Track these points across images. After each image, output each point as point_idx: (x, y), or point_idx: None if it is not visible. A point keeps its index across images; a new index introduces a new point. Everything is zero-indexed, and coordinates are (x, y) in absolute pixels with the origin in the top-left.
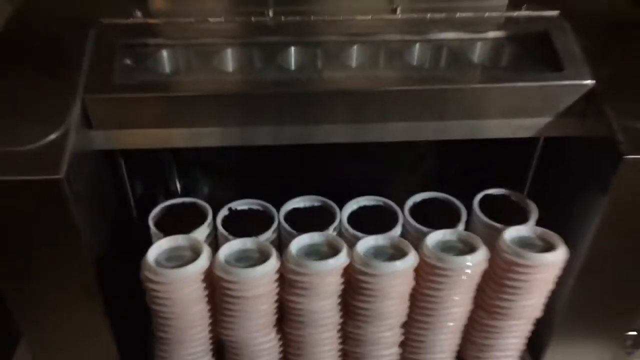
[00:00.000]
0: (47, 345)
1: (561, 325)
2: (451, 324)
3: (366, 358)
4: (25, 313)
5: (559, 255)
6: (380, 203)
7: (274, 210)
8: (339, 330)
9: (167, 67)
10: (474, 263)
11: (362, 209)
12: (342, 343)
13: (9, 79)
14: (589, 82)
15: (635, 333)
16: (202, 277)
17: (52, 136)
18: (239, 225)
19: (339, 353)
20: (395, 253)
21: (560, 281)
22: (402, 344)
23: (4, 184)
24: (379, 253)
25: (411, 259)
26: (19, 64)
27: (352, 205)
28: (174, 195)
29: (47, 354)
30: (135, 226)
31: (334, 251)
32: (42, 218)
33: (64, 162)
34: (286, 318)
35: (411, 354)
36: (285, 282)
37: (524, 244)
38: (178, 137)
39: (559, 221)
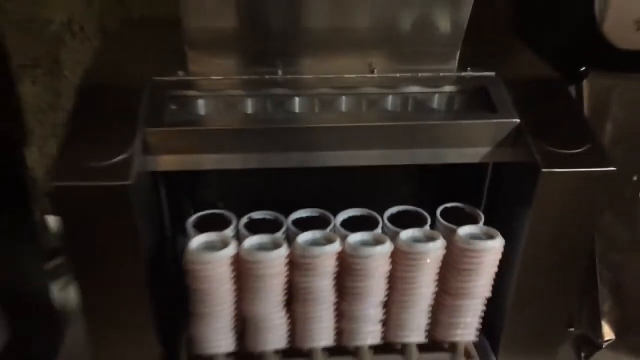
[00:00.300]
0: (101, 332)
1: (512, 312)
2: (421, 302)
3: (355, 333)
4: (89, 304)
5: (497, 243)
6: (365, 213)
7: (283, 218)
8: (335, 309)
9: (202, 111)
10: (435, 248)
11: (351, 218)
12: (337, 321)
13: (89, 118)
14: (515, 120)
15: (572, 329)
16: (231, 261)
17: (121, 157)
18: (256, 230)
19: (335, 330)
20: (376, 244)
21: (506, 276)
22: (384, 323)
23: (84, 188)
24: (364, 244)
25: (388, 246)
26: (96, 108)
27: (344, 215)
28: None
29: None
30: (166, 234)
31: (330, 242)
32: (111, 218)
33: (131, 174)
34: (294, 299)
35: (391, 330)
36: (294, 266)
37: (472, 237)
38: (209, 160)
39: (504, 227)
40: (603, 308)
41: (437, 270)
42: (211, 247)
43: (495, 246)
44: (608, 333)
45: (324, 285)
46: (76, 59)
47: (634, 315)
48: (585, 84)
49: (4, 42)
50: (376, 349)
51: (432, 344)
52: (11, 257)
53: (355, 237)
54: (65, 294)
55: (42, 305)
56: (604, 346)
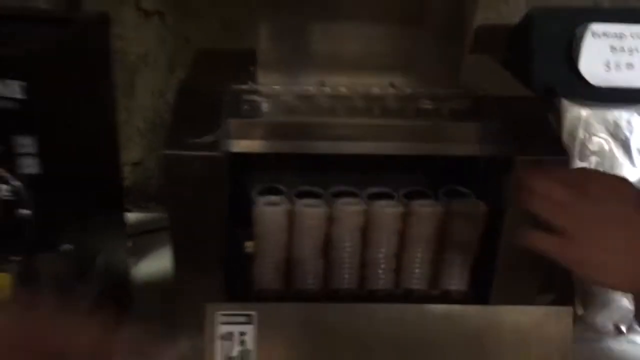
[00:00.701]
0: (184, 271)
1: (500, 270)
2: (424, 255)
3: (374, 278)
4: (178, 245)
5: (479, 208)
6: (385, 190)
7: (322, 191)
8: (360, 258)
9: (265, 109)
10: (435, 212)
11: (374, 194)
12: (361, 267)
13: (186, 112)
14: (498, 124)
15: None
16: (286, 213)
17: (211, 136)
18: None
19: (359, 275)
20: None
21: (496, 243)
22: (396, 271)
23: (184, 156)
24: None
25: (400, 208)
26: (191, 106)
27: (368, 190)
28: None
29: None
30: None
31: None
32: (202, 180)
33: (219, 148)
34: (330, 247)
35: (400, 278)
36: (331, 221)
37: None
38: (269, 145)
39: (492, 205)
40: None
41: (436, 230)
42: (272, 203)
43: (480, 211)
44: (579, 309)
45: (353, 237)
46: (147, 84)
47: (600, 300)
48: (561, 109)
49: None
50: (387, 296)
51: (434, 293)
52: (106, 239)
53: (377, 202)
54: (135, 268)
55: (121, 274)
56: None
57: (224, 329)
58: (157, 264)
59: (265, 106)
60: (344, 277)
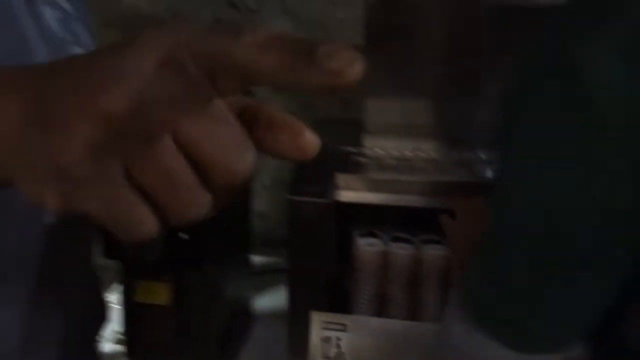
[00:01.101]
0: (299, 298)
1: None
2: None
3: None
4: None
5: None
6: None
7: (412, 237)
8: (441, 294)
9: (369, 165)
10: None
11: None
12: (441, 304)
13: (306, 170)
14: None
15: None
16: (381, 253)
17: (324, 187)
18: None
19: (440, 310)
20: None
21: None
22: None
23: (303, 202)
24: None
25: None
26: (309, 165)
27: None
28: None
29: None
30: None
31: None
32: (316, 221)
33: (329, 196)
34: (415, 284)
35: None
36: (418, 263)
37: None
38: (368, 197)
39: None
40: None
41: None
42: (371, 245)
43: None
44: None
45: (435, 278)
46: None
47: None
48: None
49: None
50: None
51: None
52: (235, 274)
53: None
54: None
55: (245, 306)
56: None
57: (324, 333)
58: (273, 298)
59: (368, 162)
60: (427, 311)
